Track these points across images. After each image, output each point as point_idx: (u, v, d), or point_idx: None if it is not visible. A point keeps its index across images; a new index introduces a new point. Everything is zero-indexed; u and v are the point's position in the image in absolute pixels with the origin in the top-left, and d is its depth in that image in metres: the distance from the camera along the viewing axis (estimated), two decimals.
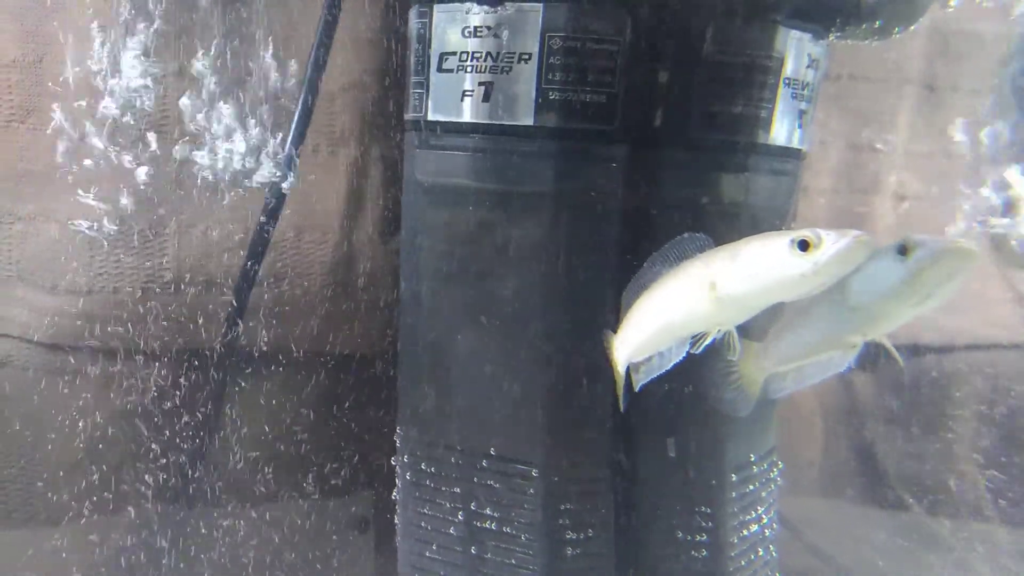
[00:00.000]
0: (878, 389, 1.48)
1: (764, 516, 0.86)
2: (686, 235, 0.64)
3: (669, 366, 0.67)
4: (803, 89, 0.79)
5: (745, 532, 0.84)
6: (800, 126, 0.80)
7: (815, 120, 1.38)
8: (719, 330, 0.64)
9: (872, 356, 0.69)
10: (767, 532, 0.87)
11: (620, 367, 0.69)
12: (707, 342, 0.64)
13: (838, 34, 0.80)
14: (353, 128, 1.12)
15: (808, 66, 0.78)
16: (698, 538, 0.81)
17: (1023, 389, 1.49)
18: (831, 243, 0.56)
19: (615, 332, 0.70)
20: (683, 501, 0.82)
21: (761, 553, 0.87)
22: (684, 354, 0.66)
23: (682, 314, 0.63)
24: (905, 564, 1.35)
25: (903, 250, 0.59)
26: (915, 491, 1.47)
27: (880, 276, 0.60)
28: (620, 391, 0.70)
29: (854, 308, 0.63)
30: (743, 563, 0.84)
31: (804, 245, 0.56)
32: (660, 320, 0.65)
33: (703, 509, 0.81)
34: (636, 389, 0.69)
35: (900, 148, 1.43)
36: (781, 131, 0.78)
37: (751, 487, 0.85)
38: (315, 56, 0.98)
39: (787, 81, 0.77)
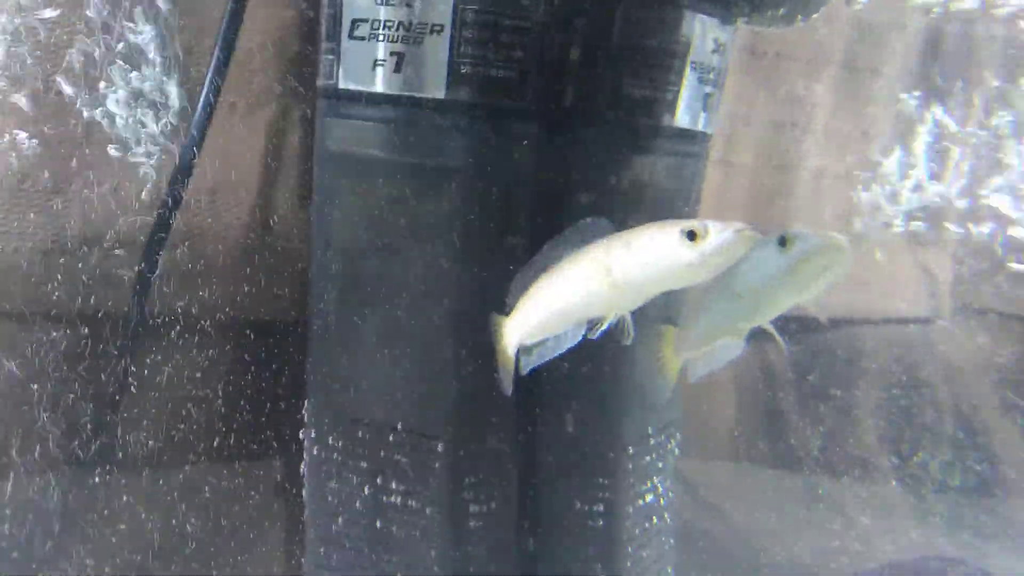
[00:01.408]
0: (790, 359, 1.54)
1: (660, 486, 0.90)
2: (588, 220, 0.65)
3: (563, 349, 0.69)
4: (709, 73, 0.80)
5: (641, 502, 0.88)
6: (705, 109, 0.82)
7: (740, 97, 1.41)
8: (615, 315, 0.66)
9: (785, 330, 0.73)
10: (662, 501, 0.91)
11: (510, 349, 0.70)
12: (603, 328, 0.66)
13: (744, 19, 0.82)
14: (272, 87, 1.09)
15: (714, 51, 0.80)
16: (595, 508, 0.84)
17: (925, 361, 1.58)
18: (716, 234, 0.58)
19: (503, 314, 0.71)
20: (582, 473, 0.84)
21: (656, 521, 0.91)
22: (580, 338, 0.68)
23: (579, 298, 0.65)
24: (803, 524, 1.43)
25: (783, 242, 0.62)
26: (819, 457, 1.55)
27: (762, 266, 0.64)
28: (508, 373, 0.71)
29: (741, 296, 0.66)
30: (637, 531, 0.88)
31: (692, 236, 0.59)
32: (556, 303, 0.66)
33: (601, 480, 0.84)
34: (524, 372, 0.71)
35: (820, 127, 1.47)
36: (686, 114, 0.80)
37: (648, 458, 0.89)
38: (230, 8, 0.95)
39: (693, 65, 0.78)
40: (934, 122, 1.50)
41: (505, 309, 0.70)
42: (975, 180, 1.53)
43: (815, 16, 0.84)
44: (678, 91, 0.78)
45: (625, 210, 0.80)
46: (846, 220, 1.53)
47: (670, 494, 0.93)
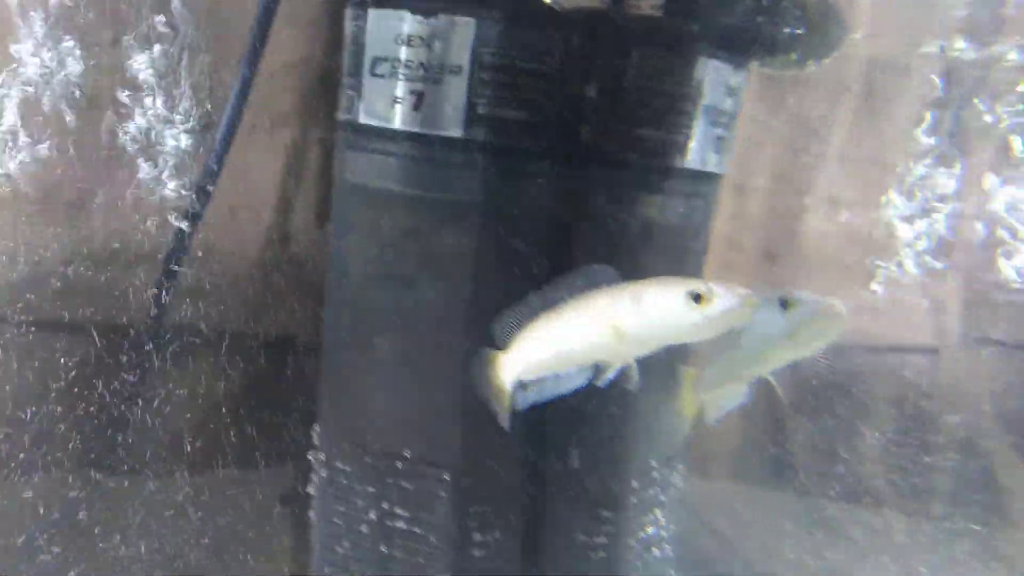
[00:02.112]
0: (796, 384, 1.55)
1: (662, 518, 0.91)
2: (593, 267, 0.67)
3: (565, 390, 0.70)
4: (721, 116, 0.82)
5: (642, 534, 0.89)
6: (717, 151, 0.84)
7: (754, 121, 1.42)
8: (621, 363, 0.68)
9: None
10: (664, 533, 0.93)
11: (508, 384, 0.71)
12: (610, 376, 0.68)
13: (758, 64, 0.83)
14: (293, 108, 1.12)
15: (727, 95, 0.81)
16: (597, 540, 0.86)
17: (931, 390, 1.58)
18: (720, 299, 0.60)
19: (493, 348, 0.72)
20: (586, 505, 0.85)
21: (657, 553, 0.92)
22: (584, 383, 0.69)
23: (581, 345, 0.67)
24: (805, 549, 1.43)
25: (784, 305, 0.65)
26: (823, 482, 1.56)
27: (765, 326, 0.68)
28: (504, 407, 0.72)
29: (744, 349, 0.69)
30: (639, 563, 0.90)
31: (698, 298, 0.60)
32: (558, 346, 0.68)
33: (604, 513, 0.85)
34: (521, 408, 0.71)
35: (835, 152, 1.48)
36: (698, 156, 0.82)
37: (651, 491, 0.90)
38: (255, 32, 0.97)
39: (706, 108, 0.80)
40: (947, 150, 1.50)
41: (495, 343, 0.71)
42: (986, 209, 1.53)
43: (827, 61, 0.85)
44: (690, 134, 0.80)
45: (636, 248, 0.81)
46: (857, 246, 1.53)
47: (671, 525, 0.94)
